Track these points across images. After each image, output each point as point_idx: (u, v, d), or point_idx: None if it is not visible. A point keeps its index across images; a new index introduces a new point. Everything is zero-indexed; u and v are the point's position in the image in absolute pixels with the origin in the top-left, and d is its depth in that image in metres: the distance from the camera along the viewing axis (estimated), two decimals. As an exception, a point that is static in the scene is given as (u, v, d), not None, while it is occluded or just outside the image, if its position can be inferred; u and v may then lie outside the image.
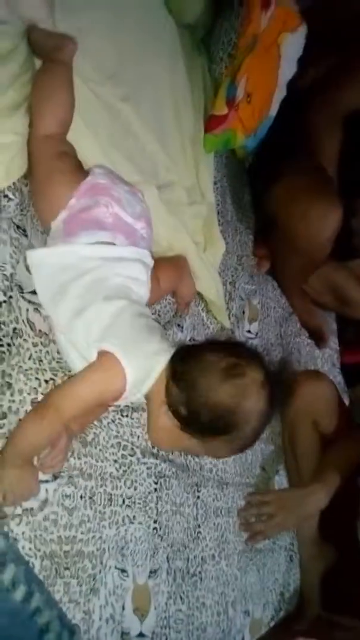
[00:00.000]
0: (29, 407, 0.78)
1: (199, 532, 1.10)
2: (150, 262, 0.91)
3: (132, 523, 0.93)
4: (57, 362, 0.85)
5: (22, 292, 0.83)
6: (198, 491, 1.12)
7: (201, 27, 1.39)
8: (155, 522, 0.99)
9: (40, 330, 0.84)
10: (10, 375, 0.78)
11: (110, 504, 0.90)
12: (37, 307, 0.85)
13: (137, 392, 0.79)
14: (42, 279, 0.82)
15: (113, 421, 0.94)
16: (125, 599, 0.89)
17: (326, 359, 1.79)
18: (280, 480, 1.42)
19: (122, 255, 0.85)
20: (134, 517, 0.94)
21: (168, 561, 1.00)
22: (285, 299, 1.65)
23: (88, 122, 0.96)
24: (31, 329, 0.83)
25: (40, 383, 0.81)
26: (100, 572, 0.86)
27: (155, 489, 1.00)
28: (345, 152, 1.43)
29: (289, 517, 1.28)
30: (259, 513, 1.24)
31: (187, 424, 0.79)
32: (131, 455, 0.96)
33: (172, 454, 1.06)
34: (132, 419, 0.98)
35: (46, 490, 0.79)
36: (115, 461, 0.93)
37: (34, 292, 0.84)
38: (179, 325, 1.16)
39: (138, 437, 0.99)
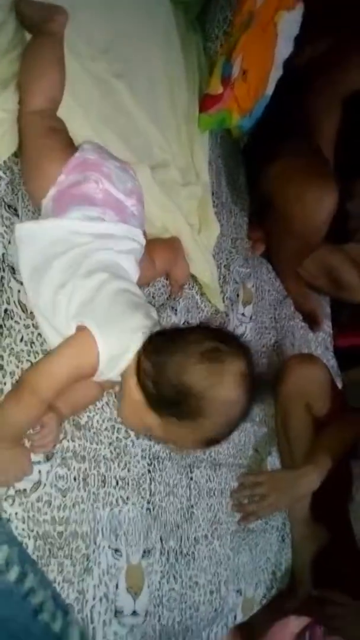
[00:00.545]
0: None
1: (192, 513, 1.10)
2: (142, 240, 0.89)
3: (126, 504, 0.94)
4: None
5: (14, 273, 0.82)
6: (191, 472, 1.12)
7: (196, 4, 1.37)
8: (148, 502, 0.99)
9: (31, 312, 0.83)
10: (1, 357, 0.77)
11: (104, 485, 0.90)
12: (29, 288, 0.83)
13: (113, 368, 0.76)
14: (27, 253, 0.80)
15: (107, 404, 0.93)
16: (118, 578, 0.90)
17: (320, 342, 1.80)
18: (273, 462, 1.43)
19: (111, 232, 0.83)
20: (127, 498, 0.94)
21: (161, 541, 1.01)
22: (279, 282, 1.64)
23: (79, 99, 0.94)
24: (22, 310, 0.82)
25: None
26: (93, 552, 0.86)
27: (149, 470, 1.01)
28: (343, 134, 1.41)
29: (281, 498, 1.29)
30: (252, 494, 1.25)
31: (151, 400, 0.75)
32: (125, 438, 0.96)
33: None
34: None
35: (39, 471, 0.79)
36: (110, 444, 0.93)
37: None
38: (172, 308, 1.15)
39: (131, 419, 0.99)
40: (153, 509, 1.00)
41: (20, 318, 0.81)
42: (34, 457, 0.78)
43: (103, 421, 0.92)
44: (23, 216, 0.85)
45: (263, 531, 1.33)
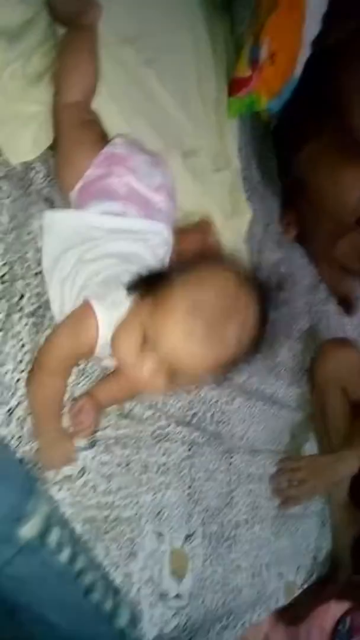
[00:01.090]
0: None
1: (232, 498, 1.11)
2: (167, 235, 0.86)
3: (168, 489, 0.95)
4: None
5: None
6: (230, 458, 1.13)
7: (223, -14, 1.35)
8: (189, 487, 1.00)
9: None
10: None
11: (146, 471, 0.92)
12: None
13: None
14: (48, 243, 0.80)
15: (146, 391, 0.95)
16: (163, 561, 0.92)
17: (355, 327, 1.77)
18: (311, 447, 1.42)
19: (131, 227, 0.81)
20: (169, 483, 0.96)
21: (203, 525, 1.02)
22: (313, 266, 1.63)
23: (110, 89, 0.94)
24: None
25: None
26: (138, 536, 0.88)
27: (189, 456, 1.02)
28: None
29: (320, 482, 1.29)
30: (291, 479, 1.25)
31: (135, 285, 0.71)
32: (167, 426, 0.97)
33: (204, 421, 1.07)
34: (165, 388, 0.99)
35: (84, 458, 0.81)
36: (153, 432, 0.94)
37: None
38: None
39: (171, 406, 1.00)
40: (194, 494, 1.01)
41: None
42: (80, 444, 0.80)
43: (144, 410, 0.94)
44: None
45: (303, 516, 1.33)
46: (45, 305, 0.80)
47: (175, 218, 0.92)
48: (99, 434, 0.84)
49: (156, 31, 1.10)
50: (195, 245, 1.05)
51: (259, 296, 0.70)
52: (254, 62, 1.25)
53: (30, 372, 0.74)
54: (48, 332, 0.80)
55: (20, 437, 0.73)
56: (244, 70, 1.26)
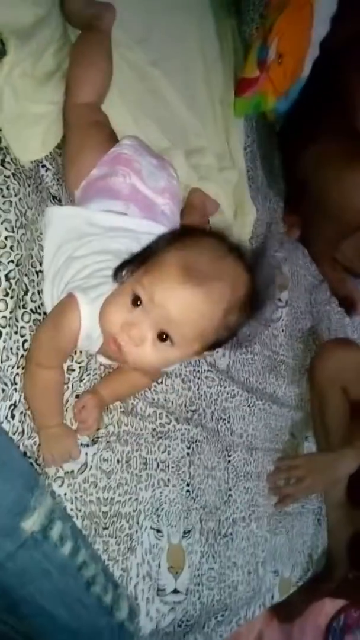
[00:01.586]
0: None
1: (230, 495, 1.12)
2: None
3: (167, 486, 0.96)
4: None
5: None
6: (229, 456, 1.14)
7: (232, -16, 1.35)
8: (188, 485, 1.01)
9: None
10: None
11: (146, 468, 0.93)
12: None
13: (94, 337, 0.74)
14: (48, 238, 0.80)
15: (149, 388, 0.96)
16: (160, 557, 0.93)
17: (356, 327, 1.78)
18: (309, 447, 1.43)
19: (130, 226, 0.81)
20: (168, 480, 0.97)
21: (201, 522, 1.03)
22: (315, 266, 1.63)
23: (118, 87, 0.95)
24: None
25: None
26: (136, 532, 0.89)
27: (188, 454, 1.03)
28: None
29: (318, 481, 1.30)
30: (289, 476, 1.27)
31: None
32: (167, 424, 0.98)
33: (204, 417, 1.09)
34: (166, 385, 1.00)
35: (86, 454, 0.82)
36: (154, 429, 0.95)
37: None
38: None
39: (172, 402, 1.01)
40: (192, 491, 1.02)
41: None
42: (81, 440, 0.81)
43: (146, 407, 0.95)
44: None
45: (299, 514, 1.34)
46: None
47: (178, 221, 0.92)
48: (101, 431, 0.85)
49: (164, 31, 1.10)
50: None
51: (247, 266, 0.70)
52: (261, 63, 1.26)
53: (25, 368, 0.75)
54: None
55: (23, 431, 0.74)
56: (251, 71, 1.27)
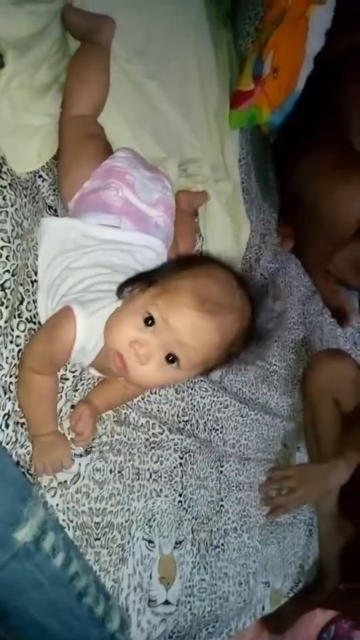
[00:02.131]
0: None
1: (222, 506, 1.12)
2: (161, 251, 0.87)
3: (159, 496, 0.96)
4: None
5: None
6: (221, 466, 1.14)
7: (227, -1, 1.37)
8: (180, 495, 1.02)
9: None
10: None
11: (138, 478, 0.93)
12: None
13: (91, 336, 0.73)
14: (43, 249, 0.81)
15: (142, 398, 0.96)
16: (152, 568, 0.93)
17: (348, 338, 1.80)
18: (301, 457, 1.44)
19: (123, 240, 0.82)
20: (160, 490, 0.97)
21: (192, 533, 1.03)
22: (308, 277, 1.65)
23: (115, 100, 0.96)
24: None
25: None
26: (128, 542, 0.89)
27: (181, 464, 1.03)
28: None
29: (309, 491, 1.30)
30: (281, 487, 1.27)
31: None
32: (160, 434, 0.98)
33: (197, 428, 1.09)
34: (160, 395, 1.00)
35: (79, 464, 0.82)
36: (147, 439, 0.95)
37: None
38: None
39: (165, 413, 1.01)
40: (184, 502, 1.02)
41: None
42: (75, 451, 0.81)
43: (139, 417, 0.95)
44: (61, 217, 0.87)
45: (291, 525, 1.35)
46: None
47: (171, 235, 0.92)
48: (94, 441, 0.85)
49: (161, 44, 1.11)
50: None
51: (252, 300, 0.74)
52: (257, 76, 1.27)
53: (18, 376, 0.75)
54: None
55: (16, 440, 0.74)
56: (247, 84, 1.28)
